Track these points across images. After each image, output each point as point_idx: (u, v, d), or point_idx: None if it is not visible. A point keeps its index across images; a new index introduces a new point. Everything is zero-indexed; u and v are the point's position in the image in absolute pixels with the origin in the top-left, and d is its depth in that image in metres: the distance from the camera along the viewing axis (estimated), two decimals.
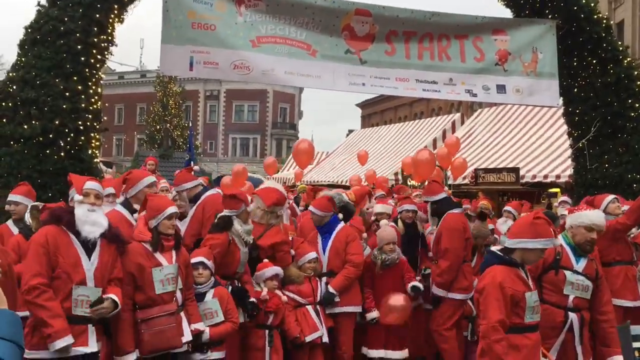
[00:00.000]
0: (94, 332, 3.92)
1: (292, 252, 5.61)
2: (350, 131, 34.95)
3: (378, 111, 51.77)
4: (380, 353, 5.85)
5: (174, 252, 4.42)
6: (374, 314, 5.84)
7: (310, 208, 6.06)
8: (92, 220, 3.96)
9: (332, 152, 27.61)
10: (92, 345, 3.89)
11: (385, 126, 28.98)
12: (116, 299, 3.98)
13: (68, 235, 3.91)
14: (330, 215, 5.96)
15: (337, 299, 5.67)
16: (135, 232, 4.46)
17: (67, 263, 3.83)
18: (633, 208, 5.84)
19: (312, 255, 5.62)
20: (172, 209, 4.42)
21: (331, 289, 5.64)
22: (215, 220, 5.20)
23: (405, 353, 5.87)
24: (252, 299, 5.06)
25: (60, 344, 3.71)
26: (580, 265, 4.50)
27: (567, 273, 4.45)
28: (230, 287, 5.01)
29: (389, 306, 5.63)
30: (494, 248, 4.11)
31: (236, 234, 5.11)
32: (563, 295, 4.44)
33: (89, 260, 3.94)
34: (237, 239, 5.12)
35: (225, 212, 5.15)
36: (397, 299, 5.64)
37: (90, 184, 4.08)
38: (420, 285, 6.00)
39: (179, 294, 4.43)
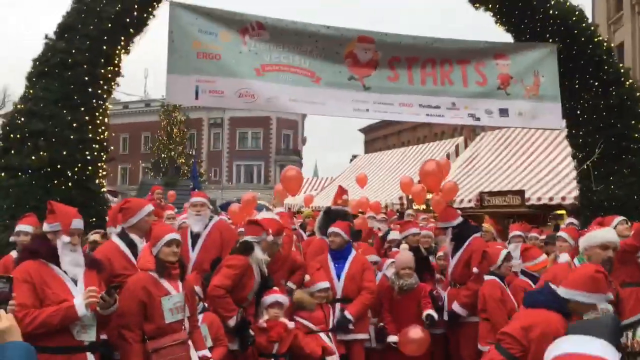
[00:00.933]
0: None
1: (307, 277, 5.60)
2: (354, 156, 34.99)
3: (381, 136, 51.96)
4: None
5: (179, 280, 4.43)
6: (394, 338, 5.85)
7: (336, 230, 6.00)
8: (75, 261, 3.94)
9: (336, 177, 27.66)
10: None
11: (389, 151, 29.04)
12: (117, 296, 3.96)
13: (49, 267, 3.87)
14: (347, 241, 6.03)
15: (351, 326, 5.65)
16: (140, 262, 4.45)
17: (55, 294, 3.78)
18: (639, 229, 5.81)
19: (324, 285, 5.60)
20: (171, 236, 4.36)
21: (348, 315, 5.62)
22: (237, 244, 5.22)
23: None
24: (251, 333, 5.09)
25: (80, 306, 3.70)
26: None
27: None
28: (240, 315, 5.01)
29: (408, 338, 5.62)
30: (552, 286, 3.95)
31: (255, 260, 5.15)
32: None
33: (76, 286, 3.94)
34: (254, 266, 5.16)
35: (247, 238, 5.17)
36: (415, 332, 5.64)
37: (76, 223, 3.99)
38: (435, 315, 5.97)
39: (186, 322, 4.43)
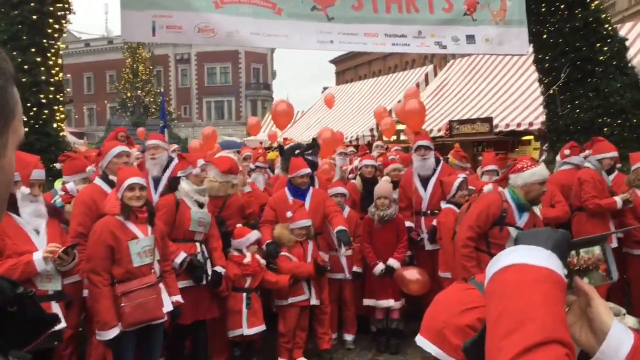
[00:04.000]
0: (58, 309, 3.91)
1: (290, 214, 5.58)
2: (325, 88, 34.59)
3: (352, 67, 51.33)
4: (390, 302, 6.02)
5: (148, 224, 4.39)
6: (381, 266, 5.97)
7: (307, 171, 5.91)
8: (37, 212, 3.91)
9: (307, 110, 27.40)
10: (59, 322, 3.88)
11: (360, 82, 28.78)
12: (76, 252, 4.00)
13: (9, 216, 3.79)
14: None
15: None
16: (107, 206, 4.39)
17: (15, 245, 3.75)
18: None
19: (306, 222, 5.60)
20: (132, 180, 4.31)
21: (341, 227, 5.55)
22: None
23: (402, 302, 6.07)
24: (218, 268, 5.14)
25: (39, 261, 3.72)
26: (523, 220, 4.63)
27: (511, 229, 4.56)
28: (188, 257, 5.02)
29: (407, 280, 5.78)
30: None
31: (184, 193, 5.13)
32: None
33: (38, 235, 3.90)
34: (186, 199, 5.13)
35: (179, 174, 5.19)
36: (411, 274, 5.78)
37: (37, 174, 3.93)
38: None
39: (156, 266, 4.43)
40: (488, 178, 7.68)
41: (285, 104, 9.98)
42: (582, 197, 6.04)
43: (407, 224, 6.36)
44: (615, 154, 6.34)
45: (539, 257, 1.05)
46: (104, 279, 4.17)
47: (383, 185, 6.25)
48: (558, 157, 7.02)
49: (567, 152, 6.87)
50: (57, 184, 5.66)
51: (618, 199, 5.98)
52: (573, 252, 1.22)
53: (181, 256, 4.98)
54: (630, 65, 8.75)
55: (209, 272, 5.14)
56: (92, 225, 4.53)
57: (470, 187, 6.80)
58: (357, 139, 18.35)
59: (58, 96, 6.92)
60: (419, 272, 5.85)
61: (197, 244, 5.17)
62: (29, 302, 0.82)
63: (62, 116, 7.06)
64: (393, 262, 5.98)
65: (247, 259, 5.23)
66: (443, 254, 5.67)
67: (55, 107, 6.89)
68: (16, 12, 6.49)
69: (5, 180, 0.83)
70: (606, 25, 8.53)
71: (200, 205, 5.19)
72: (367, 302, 6.12)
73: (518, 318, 0.97)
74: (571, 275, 1.12)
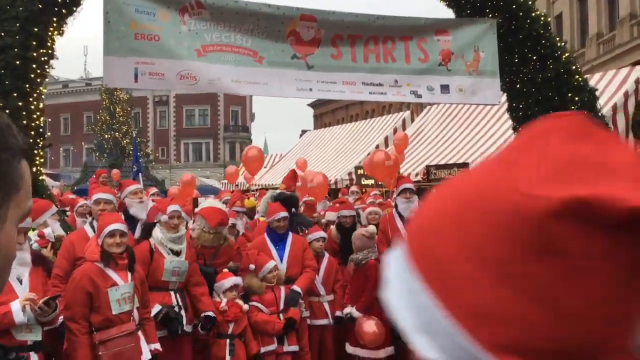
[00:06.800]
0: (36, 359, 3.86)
1: (252, 266, 5.58)
2: (304, 132, 34.88)
3: (330, 110, 52.08)
4: (362, 352, 5.86)
5: (128, 270, 4.38)
6: (347, 310, 5.95)
7: (285, 214, 5.97)
8: (21, 260, 3.88)
9: (285, 154, 27.55)
10: None
11: (338, 126, 29.10)
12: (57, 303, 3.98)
13: None
14: None
15: (301, 300, 5.74)
16: (87, 252, 4.39)
17: None
18: None
19: (271, 264, 5.61)
20: (113, 226, 4.32)
21: (297, 288, 5.67)
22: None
23: (390, 350, 5.85)
24: (210, 314, 5.07)
25: (18, 312, 3.67)
26: None
27: None
28: (164, 309, 4.96)
29: (363, 330, 5.69)
30: None
31: (157, 241, 5.12)
32: None
33: (21, 285, 3.87)
34: (160, 247, 5.11)
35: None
36: (369, 325, 5.69)
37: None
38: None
39: (135, 313, 4.40)
40: None
41: (256, 150, 10.16)
42: None
43: None
44: None
45: None
46: (81, 327, 4.13)
47: (357, 231, 6.24)
48: None
49: None
50: (30, 233, 5.62)
51: None
52: None
53: (156, 308, 4.89)
54: (600, 114, 9.07)
55: (184, 323, 5.07)
56: (71, 271, 4.51)
57: None
58: (335, 183, 18.48)
59: (38, 140, 6.92)
60: (377, 324, 5.66)
61: (172, 293, 5.11)
62: None
63: (42, 160, 7.05)
64: (351, 310, 5.89)
65: (223, 304, 5.20)
66: None
67: (35, 151, 6.88)
68: (0, 57, 6.55)
69: (3, 254, 0.83)
70: (577, 76, 8.86)
71: (177, 253, 5.15)
72: (356, 351, 5.93)
73: None
74: None
